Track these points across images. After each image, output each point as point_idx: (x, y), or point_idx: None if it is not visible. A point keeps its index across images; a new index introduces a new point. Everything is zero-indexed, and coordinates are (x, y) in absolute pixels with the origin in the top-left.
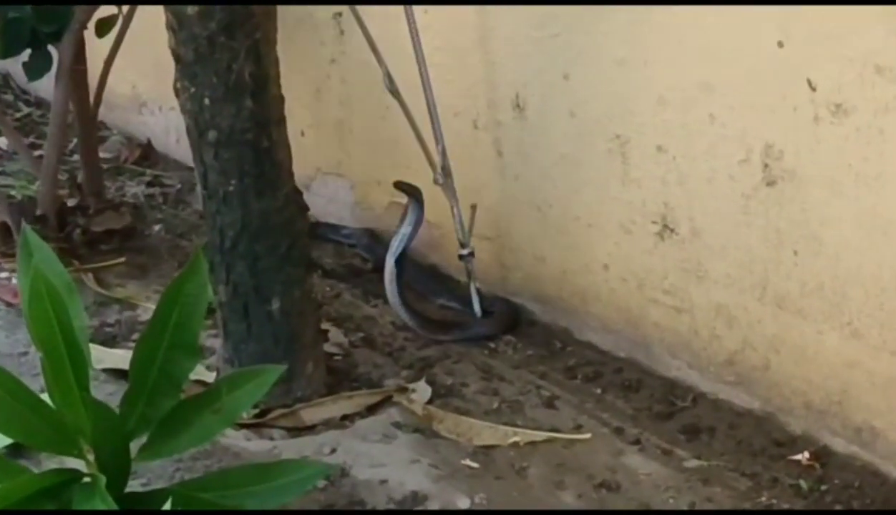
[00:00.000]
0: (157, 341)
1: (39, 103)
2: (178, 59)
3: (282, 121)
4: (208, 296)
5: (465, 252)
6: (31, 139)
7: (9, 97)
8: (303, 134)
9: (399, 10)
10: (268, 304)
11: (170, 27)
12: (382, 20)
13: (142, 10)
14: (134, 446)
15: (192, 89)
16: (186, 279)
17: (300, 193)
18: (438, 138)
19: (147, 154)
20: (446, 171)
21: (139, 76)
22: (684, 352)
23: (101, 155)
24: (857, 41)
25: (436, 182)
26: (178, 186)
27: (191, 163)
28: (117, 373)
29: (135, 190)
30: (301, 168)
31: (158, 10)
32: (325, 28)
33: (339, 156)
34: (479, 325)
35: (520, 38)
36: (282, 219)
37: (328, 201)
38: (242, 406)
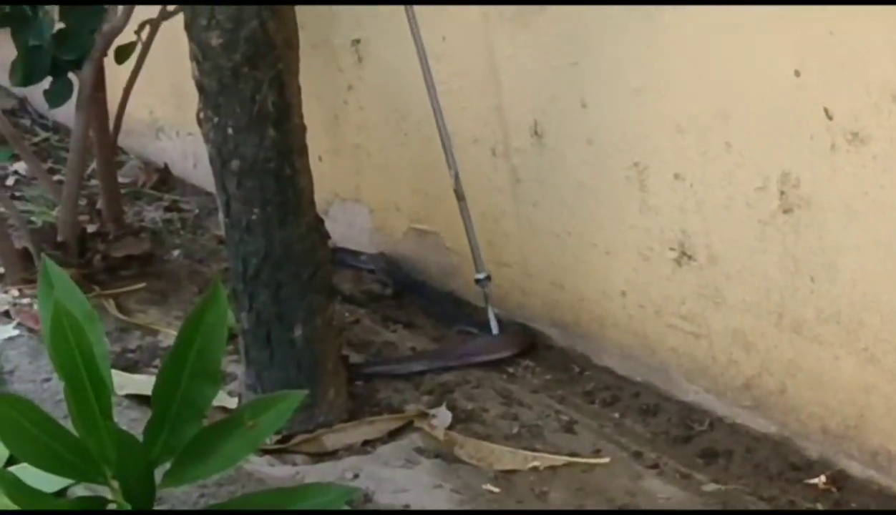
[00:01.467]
0: (179, 369)
1: (57, 128)
2: (201, 89)
3: (304, 149)
4: (229, 324)
5: (480, 276)
6: (49, 164)
7: (26, 122)
8: (320, 159)
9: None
10: (290, 331)
11: (194, 58)
12: (399, 49)
13: (160, 37)
14: (158, 473)
15: (216, 119)
16: (207, 307)
17: (322, 221)
18: (451, 163)
19: (164, 179)
20: (460, 196)
21: (157, 101)
22: (702, 377)
23: (119, 180)
24: (873, 70)
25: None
26: (196, 211)
27: (208, 188)
28: (140, 399)
29: (153, 215)
30: (319, 193)
31: (176, 37)
32: (343, 55)
33: (356, 182)
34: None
35: (537, 65)
36: (304, 248)
37: (346, 226)
38: (266, 431)
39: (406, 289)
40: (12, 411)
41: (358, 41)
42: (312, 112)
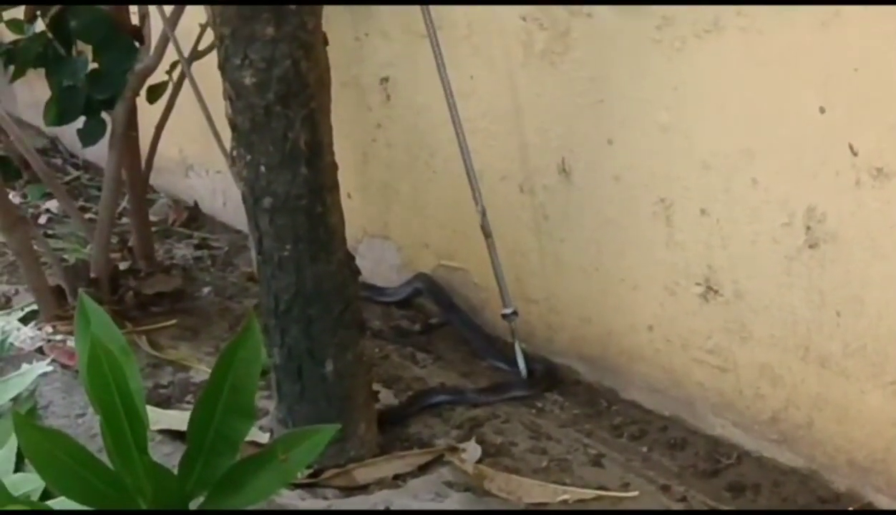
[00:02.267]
0: (213, 404)
1: (87, 167)
2: (234, 127)
3: (335, 187)
4: (262, 360)
5: (508, 311)
6: (81, 202)
7: (57, 161)
8: (349, 196)
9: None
10: (321, 366)
11: (227, 97)
12: (427, 88)
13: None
14: (192, 506)
15: (249, 157)
16: (240, 344)
17: (352, 258)
18: (478, 199)
19: (194, 216)
20: (487, 232)
21: (186, 140)
22: (729, 411)
23: (150, 218)
24: None
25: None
26: (226, 249)
27: (238, 226)
28: (173, 434)
29: (183, 252)
30: (348, 230)
31: (205, 75)
32: (372, 93)
33: (385, 219)
34: (520, 386)
35: (564, 104)
36: (335, 284)
37: (375, 263)
38: (298, 465)
39: (447, 310)
40: (49, 444)
41: (386, 79)
42: (341, 150)
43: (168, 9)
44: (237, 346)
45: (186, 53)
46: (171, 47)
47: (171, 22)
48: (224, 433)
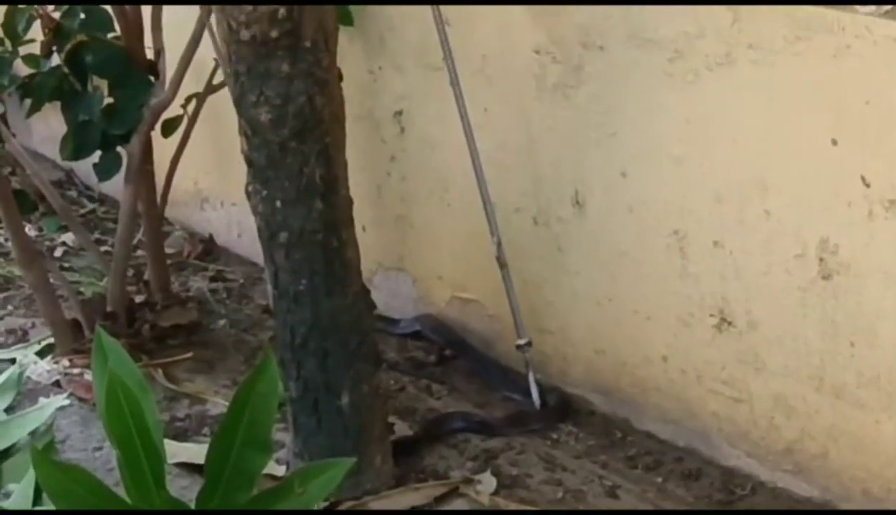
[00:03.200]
0: (231, 438)
1: (103, 200)
2: (250, 163)
3: (350, 221)
4: (279, 394)
5: (522, 342)
6: (97, 235)
7: (73, 194)
8: (364, 229)
9: (455, 110)
10: (337, 399)
11: (243, 133)
12: (441, 121)
13: (205, 110)
14: None
15: (265, 192)
16: (257, 378)
17: (368, 291)
18: (493, 230)
19: (209, 249)
20: (502, 263)
21: (201, 172)
22: (743, 442)
23: (165, 250)
24: None
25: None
26: (241, 281)
27: (253, 258)
28: (190, 468)
29: (199, 285)
30: (363, 263)
31: (220, 109)
32: (386, 126)
33: (400, 252)
34: (536, 419)
35: (578, 137)
36: (351, 317)
37: (390, 296)
38: (315, 498)
39: (453, 348)
40: (66, 479)
41: (400, 113)
42: (356, 183)
43: (182, 44)
44: (254, 380)
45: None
46: (186, 82)
47: (186, 57)
48: (241, 466)
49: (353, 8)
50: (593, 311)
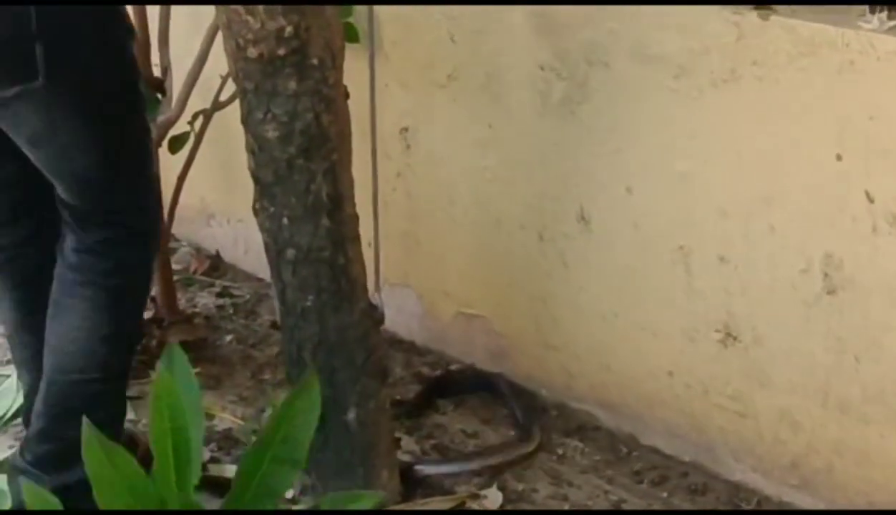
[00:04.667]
0: (262, 453)
1: None
2: (257, 180)
3: (357, 238)
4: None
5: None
6: None
7: None
8: (369, 245)
9: (460, 126)
10: (344, 415)
11: (250, 150)
12: (446, 137)
13: (211, 127)
14: None
15: (272, 209)
16: (298, 396)
17: (375, 307)
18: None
19: (216, 265)
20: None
21: (207, 189)
22: (749, 456)
23: (172, 267)
24: None
25: None
26: (248, 297)
27: (259, 274)
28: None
29: (206, 301)
30: (368, 279)
31: (227, 126)
32: (391, 143)
33: (405, 268)
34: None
35: (583, 152)
36: (358, 333)
37: (395, 311)
38: None
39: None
40: (109, 463)
41: (406, 129)
42: (361, 199)
43: (189, 61)
44: (295, 398)
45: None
46: (192, 99)
47: (192, 74)
48: (269, 482)
49: (358, 24)
50: (598, 327)
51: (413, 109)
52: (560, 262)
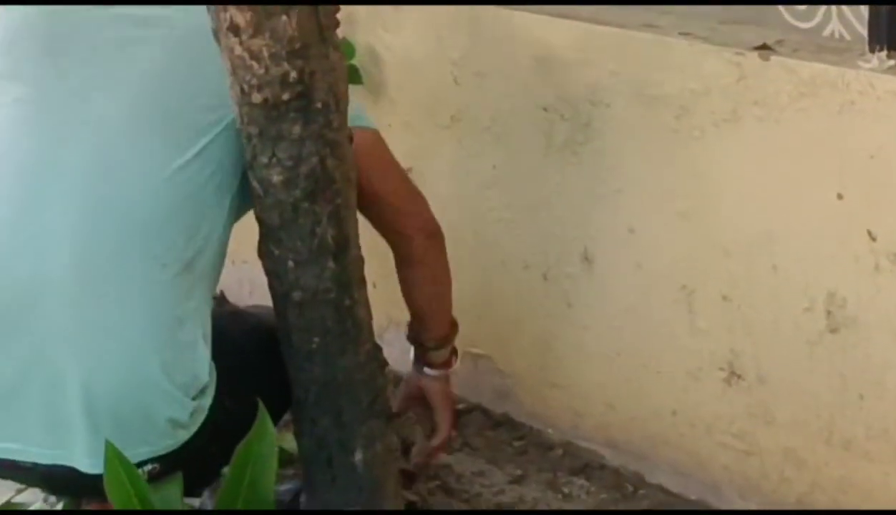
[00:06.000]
0: (233, 500)
1: None
2: (262, 223)
3: (362, 281)
4: (287, 448)
5: None
6: None
7: None
8: (374, 286)
9: (464, 167)
10: (351, 456)
11: (255, 194)
12: (451, 178)
13: None
14: None
15: (277, 252)
16: (255, 440)
17: (380, 349)
18: None
19: (221, 306)
20: None
21: None
22: (754, 494)
23: None
24: None
25: None
26: None
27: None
28: None
29: None
30: (374, 319)
31: None
32: None
33: None
34: None
35: (586, 193)
36: (364, 375)
37: (401, 352)
38: None
39: None
40: (124, 474)
41: (409, 170)
42: (366, 239)
43: None
44: (252, 443)
45: None
46: None
47: None
48: None
49: (361, 67)
50: (603, 366)
51: (417, 151)
52: (564, 302)
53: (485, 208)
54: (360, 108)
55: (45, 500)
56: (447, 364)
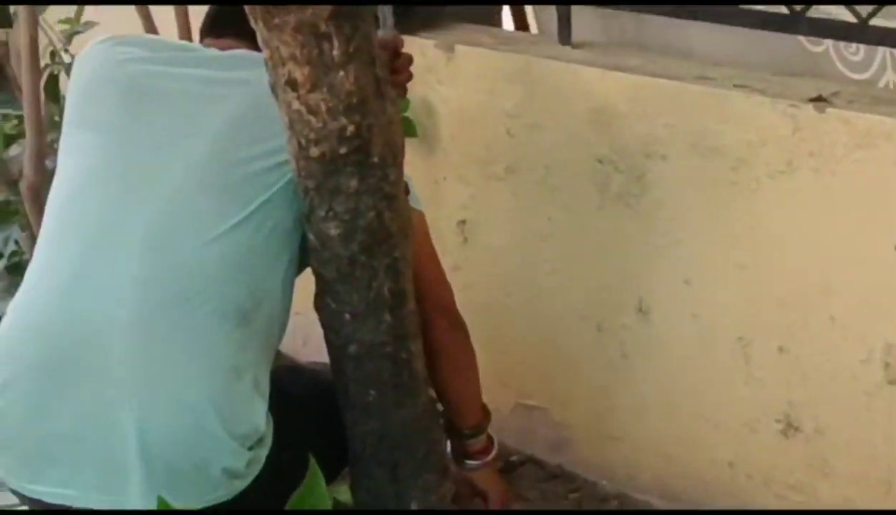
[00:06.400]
0: None
1: None
2: (319, 277)
3: (418, 333)
4: (344, 500)
5: None
6: None
7: None
8: None
9: (519, 218)
10: (407, 508)
11: (312, 247)
12: (504, 229)
13: None
14: None
15: (334, 306)
16: (307, 493)
17: (435, 401)
18: None
19: (277, 359)
20: None
21: None
22: None
23: None
24: None
25: None
26: None
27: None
28: None
29: None
30: None
31: None
32: (449, 236)
33: None
34: None
35: (641, 244)
36: (419, 428)
37: None
38: None
39: None
40: None
41: (464, 222)
42: None
43: None
44: (304, 496)
45: None
46: None
47: None
48: None
49: (416, 119)
50: (659, 417)
51: (471, 202)
52: (619, 353)
53: (540, 260)
54: (410, 184)
55: None
56: (485, 451)
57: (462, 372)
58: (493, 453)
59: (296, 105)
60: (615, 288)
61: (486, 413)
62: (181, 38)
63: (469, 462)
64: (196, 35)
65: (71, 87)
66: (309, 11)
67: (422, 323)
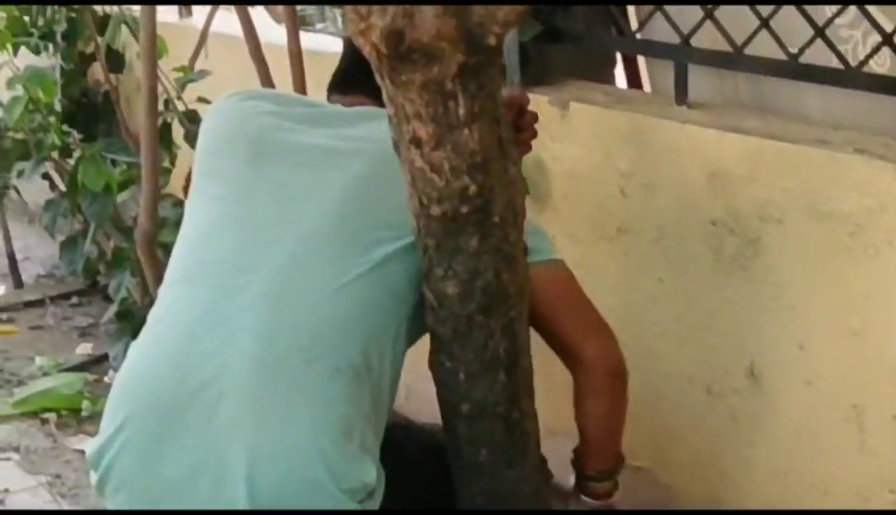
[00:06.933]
0: None
1: None
2: (434, 335)
3: (531, 392)
4: None
5: None
6: None
7: None
8: None
9: (630, 279)
10: None
11: (429, 306)
12: (615, 289)
13: None
14: None
15: (449, 364)
16: None
17: (545, 460)
18: None
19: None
20: None
21: None
22: None
23: None
24: None
25: None
26: None
27: (421, 419)
28: None
29: None
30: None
31: None
32: None
33: (568, 416)
34: None
35: (754, 308)
36: (530, 488)
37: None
38: None
39: None
40: None
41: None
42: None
43: None
44: None
45: None
46: None
47: None
48: None
49: (528, 177)
50: (769, 484)
51: (582, 262)
52: (729, 417)
53: (650, 321)
54: (544, 237)
55: None
56: (607, 495)
57: (611, 417)
58: (615, 498)
59: (419, 163)
60: (726, 352)
61: (620, 461)
62: (296, 88)
63: (585, 498)
64: (310, 85)
65: (201, 139)
66: (435, 69)
67: (578, 368)
